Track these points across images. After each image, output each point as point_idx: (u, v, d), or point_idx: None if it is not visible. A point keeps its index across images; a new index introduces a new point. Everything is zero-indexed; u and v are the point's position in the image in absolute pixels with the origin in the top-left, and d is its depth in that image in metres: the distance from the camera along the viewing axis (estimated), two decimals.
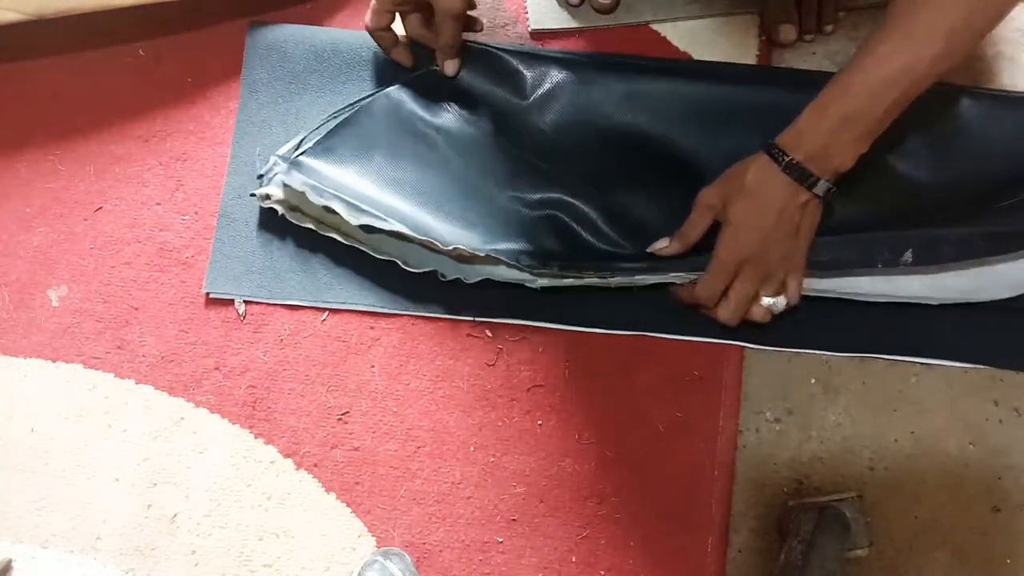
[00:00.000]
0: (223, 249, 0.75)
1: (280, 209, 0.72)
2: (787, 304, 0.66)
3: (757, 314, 0.66)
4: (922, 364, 0.69)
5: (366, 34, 0.78)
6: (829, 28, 0.76)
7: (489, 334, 0.72)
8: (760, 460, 0.69)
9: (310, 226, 0.72)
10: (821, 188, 0.62)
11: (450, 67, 0.74)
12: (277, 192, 0.71)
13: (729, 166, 0.66)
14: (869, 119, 0.60)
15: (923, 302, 0.67)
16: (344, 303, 0.73)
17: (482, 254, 0.68)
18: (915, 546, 0.67)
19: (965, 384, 0.69)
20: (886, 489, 0.68)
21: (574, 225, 0.72)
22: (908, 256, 0.65)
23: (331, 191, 0.70)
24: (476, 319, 0.72)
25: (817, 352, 0.70)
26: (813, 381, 0.70)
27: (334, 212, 0.69)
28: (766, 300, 0.66)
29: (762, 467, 0.69)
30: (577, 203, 0.72)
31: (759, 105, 0.72)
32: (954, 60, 0.59)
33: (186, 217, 0.77)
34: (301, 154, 0.72)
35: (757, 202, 0.63)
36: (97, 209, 0.77)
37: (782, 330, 0.70)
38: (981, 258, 0.65)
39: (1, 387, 0.74)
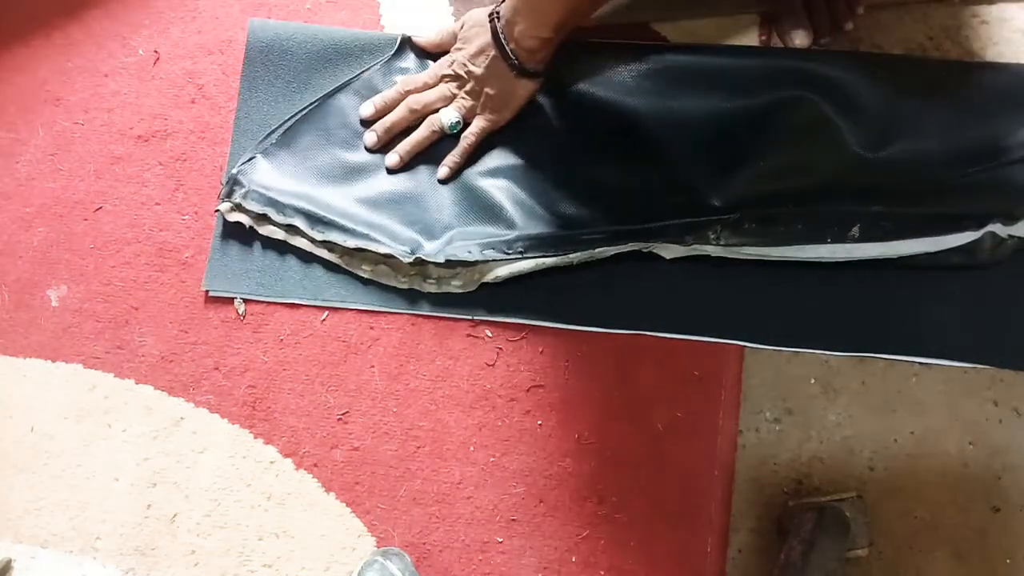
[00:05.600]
0: (223, 247, 0.75)
1: (247, 222, 0.73)
2: (456, 126, 0.73)
3: (432, 120, 0.73)
4: (922, 364, 0.69)
5: (366, 33, 0.78)
6: (849, 26, 0.75)
7: (489, 334, 0.72)
8: (760, 460, 0.69)
9: (280, 236, 0.73)
10: (507, 53, 0.68)
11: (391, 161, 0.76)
12: (241, 217, 0.73)
13: (677, 130, 0.72)
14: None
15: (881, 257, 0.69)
16: (344, 302, 0.73)
17: (441, 260, 0.70)
18: (915, 546, 0.67)
19: (965, 384, 0.69)
20: (886, 489, 0.68)
21: (529, 196, 0.73)
22: (855, 232, 0.68)
23: (292, 204, 0.72)
24: (476, 319, 0.72)
25: (817, 352, 0.70)
26: (813, 381, 0.70)
27: (297, 228, 0.72)
28: (445, 111, 0.73)
29: (762, 467, 0.69)
30: (532, 172, 0.73)
31: (701, 71, 0.74)
32: None
33: (186, 217, 0.77)
34: (258, 154, 0.75)
35: (470, 33, 0.71)
36: (97, 209, 0.77)
37: (782, 330, 0.70)
38: (922, 237, 0.67)
39: (1, 387, 0.74)
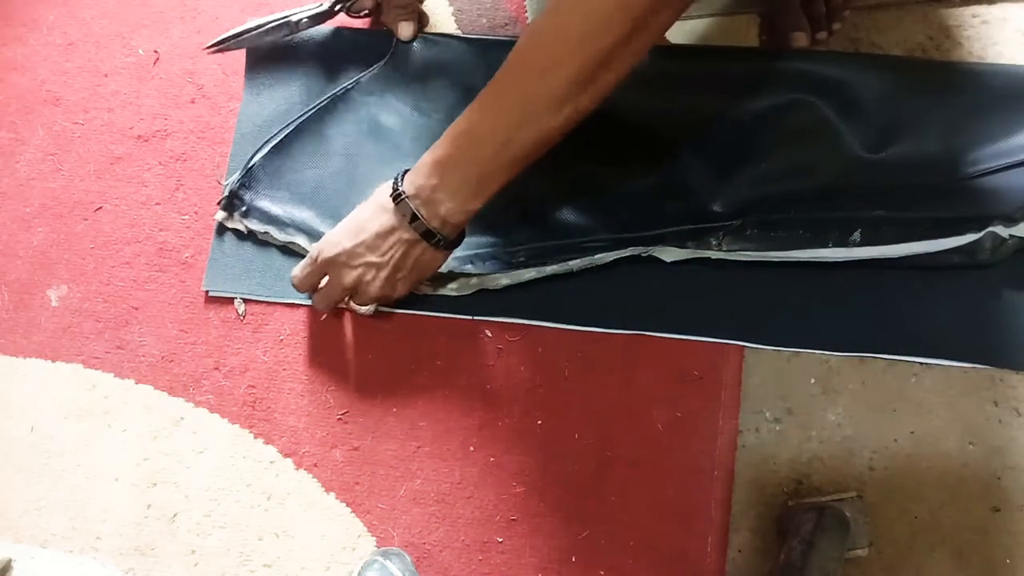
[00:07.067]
0: (222, 247, 0.75)
1: (245, 229, 0.74)
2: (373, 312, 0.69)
3: (353, 309, 0.69)
4: (922, 364, 0.69)
5: (368, 33, 0.78)
6: (837, 26, 0.76)
7: (489, 334, 0.72)
8: (760, 460, 0.69)
9: (279, 244, 0.74)
10: (428, 234, 0.62)
11: (405, 29, 0.75)
12: (239, 224, 0.74)
13: (677, 134, 0.71)
14: (464, 170, 0.59)
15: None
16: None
17: (444, 271, 0.70)
18: (915, 546, 0.67)
19: (965, 384, 0.69)
20: (886, 489, 0.68)
21: (529, 203, 0.72)
22: (856, 236, 0.68)
23: (293, 223, 0.72)
24: (476, 319, 0.72)
25: (817, 352, 0.70)
26: (813, 381, 0.70)
27: (298, 244, 0.72)
28: (354, 307, 0.69)
29: (762, 467, 0.69)
30: (532, 179, 0.72)
31: (700, 74, 0.74)
32: (539, 133, 0.57)
33: (186, 217, 0.77)
34: (257, 164, 0.75)
35: (365, 216, 0.64)
36: (97, 209, 0.77)
37: (782, 330, 0.70)
38: (922, 241, 0.67)
39: (1, 387, 0.74)
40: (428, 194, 0.61)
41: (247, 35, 0.74)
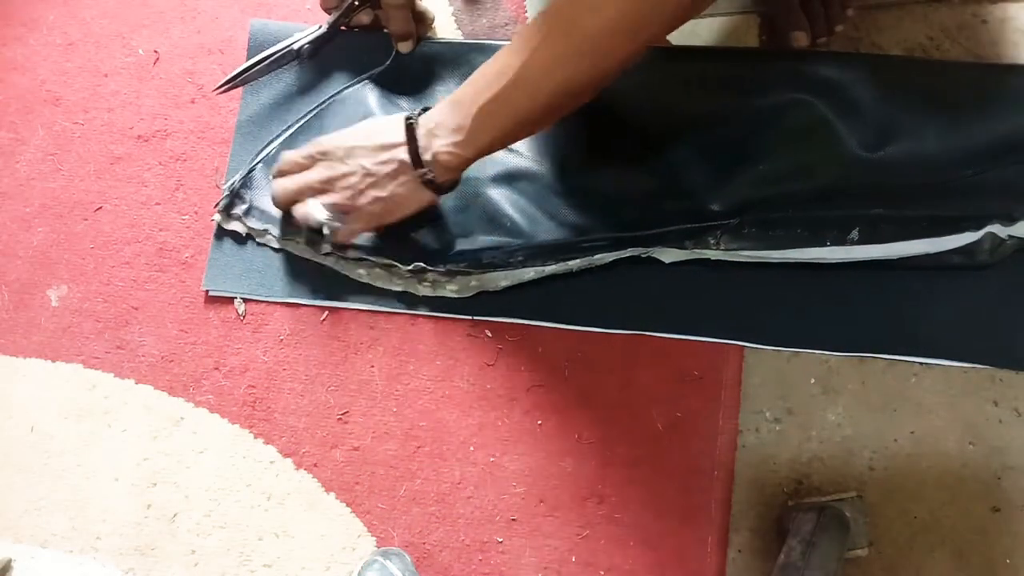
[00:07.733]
0: (222, 247, 0.75)
1: (244, 230, 0.74)
2: (325, 225, 0.67)
3: (298, 212, 0.68)
4: (922, 364, 0.69)
5: (368, 35, 0.78)
6: (839, 28, 0.76)
7: (489, 334, 0.72)
8: (760, 460, 0.69)
9: (277, 246, 0.74)
10: (419, 162, 0.64)
11: (404, 47, 0.77)
12: (238, 225, 0.74)
13: (676, 134, 0.71)
14: (463, 112, 0.62)
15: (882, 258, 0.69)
16: (344, 302, 0.73)
17: (442, 269, 0.70)
18: (915, 546, 0.67)
19: (965, 384, 0.69)
20: (886, 489, 0.68)
21: (529, 203, 0.72)
22: (854, 235, 0.68)
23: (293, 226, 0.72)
24: (476, 318, 0.72)
25: (817, 352, 0.70)
26: (813, 381, 0.70)
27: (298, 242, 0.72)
28: (313, 203, 0.67)
29: (762, 467, 0.69)
30: (532, 179, 0.73)
31: (699, 74, 0.74)
32: (545, 95, 0.59)
33: (186, 217, 0.77)
34: (259, 166, 0.75)
35: (377, 127, 0.67)
36: (97, 209, 0.77)
37: (782, 330, 0.70)
38: (921, 239, 0.68)
39: (1, 387, 0.74)
40: (431, 127, 0.64)
41: (253, 70, 0.75)
